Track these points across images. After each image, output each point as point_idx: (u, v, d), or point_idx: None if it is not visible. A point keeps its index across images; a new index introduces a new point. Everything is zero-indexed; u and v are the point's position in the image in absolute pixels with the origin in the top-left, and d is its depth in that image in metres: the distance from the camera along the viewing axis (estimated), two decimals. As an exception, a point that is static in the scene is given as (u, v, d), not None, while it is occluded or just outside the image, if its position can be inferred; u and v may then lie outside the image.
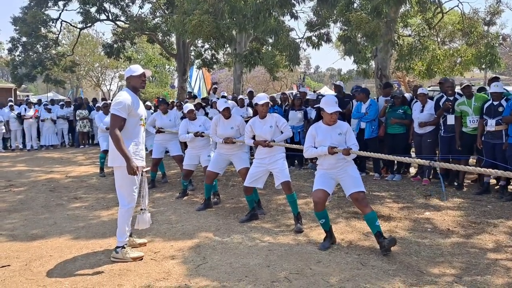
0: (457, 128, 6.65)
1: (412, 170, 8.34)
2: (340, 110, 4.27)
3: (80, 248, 4.46)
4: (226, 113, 5.70)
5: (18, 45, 19.94)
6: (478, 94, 6.75)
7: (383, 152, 5.36)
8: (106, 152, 8.46)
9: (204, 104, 11.78)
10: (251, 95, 11.34)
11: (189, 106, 6.83)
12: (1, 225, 5.37)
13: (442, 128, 6.91)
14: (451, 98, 6.85)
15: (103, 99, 15.53)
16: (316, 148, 4.21)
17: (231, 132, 5.68)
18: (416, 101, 7.44)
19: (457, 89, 7.23)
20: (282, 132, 5.19)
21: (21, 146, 14.37)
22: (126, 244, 4.14)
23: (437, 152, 7.27)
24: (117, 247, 4.12)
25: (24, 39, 19.76)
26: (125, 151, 3.92)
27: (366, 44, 10.16)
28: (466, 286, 3.37)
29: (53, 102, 16.06)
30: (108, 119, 8.18)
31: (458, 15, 12.30)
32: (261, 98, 5.11)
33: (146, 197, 4.37)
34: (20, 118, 13.89)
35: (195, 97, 14.97)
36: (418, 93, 7.40)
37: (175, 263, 4.00)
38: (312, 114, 8.72)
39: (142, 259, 4.11)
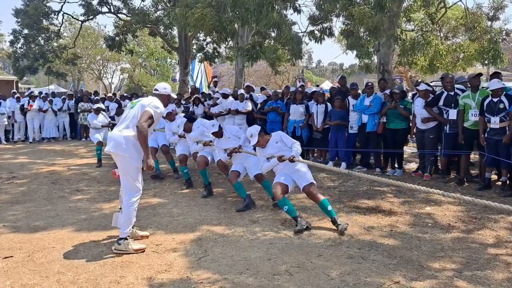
0: (460, 121, 6.63)
1: (414, 165, 8.35)
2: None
3: (82, 240, 4.49)
4: (218, 135, 6.02)
5: (20, 37, 19.93)
6: (484, 90, 6.71)
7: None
8: (101, 144, 8.98)
9: (203, 99, 11.77)
10: (248, 89, 11.32)
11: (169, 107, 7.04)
12: (3, 217, 5.39)
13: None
14: (452, 93, 6.84)
15: (102, 98, 15.50)
16: (269, 160, 5.02)
17: (230, 144, 5.90)
18: (418, 97, 7.42)
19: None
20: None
21: (23, 138, 14.40)
22: (129, 236, 4.19)
23: (439, 147, 7.26)
24: (120, 238, 4.16)
25: (26, 31, 19.75)
26: (147, 147, 4.21)
27: (368, 38, 10.12)
28: (467, 280, 3.39)
29: (54, 95, 16.05)
30: (100, 119, 9.23)
31: (462, 10, 12.24)
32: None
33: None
34: (23, 110, 13.91)
35: (197, 90, 14.96)
36: (419, 88, 7.39)
37: (177, 255, 4.02)
38: (313, 108, 8.72)
39: (144, 251, 4.15)
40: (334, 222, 4.67)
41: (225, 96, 10.62)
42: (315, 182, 4.86)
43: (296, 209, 4.79)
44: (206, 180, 6.36)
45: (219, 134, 5.97)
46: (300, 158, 4.91)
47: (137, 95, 15.93)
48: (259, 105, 9.85)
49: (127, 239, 4.15)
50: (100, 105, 10.10)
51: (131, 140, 4.17)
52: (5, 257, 4.01)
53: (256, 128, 5.16)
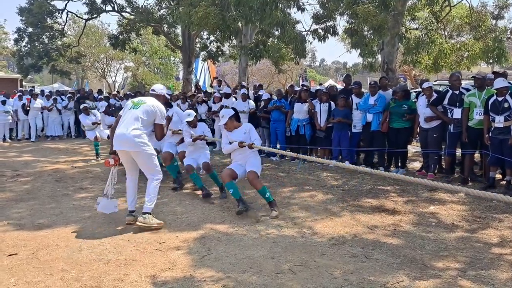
0: (465, 120, 6.60)
1: (417, 165, 8.33)
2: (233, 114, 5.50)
3: (86, 237, 4.50)
4: (192, 124, 6.35)
5: (24, 35, 20.02)
6: (490, 89, 6.67)
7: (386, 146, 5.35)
8: (97, 139, 9.71)
9: (206, 98, 11.78)
10: (254, 88, 11.33)
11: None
12: (8, 215, 5.42)
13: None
14: (457, 92, 6.81)
15: (106, 97, 15.57)
16: (231, 144, 5.38)
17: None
18: (422, 95, 7.39)
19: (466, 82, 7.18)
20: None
21: (26, 136, 14.46)
22: (152, 211, 4.77)
23: (443, 146, 7.24)
24: (145, 212, 4.72)
25: (30, 29, 19.82)
26: None
27: (372, 37, 10.10)
28: (470, 280, 3.38)
29: (59, 93, 16.11)
30: (91, 118, 9.83)
31: (466, 9, 12.21)
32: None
33: (111, 185, 5.07)
34: (24, 109, 13.95)
35: (200, 89, 14.97)
36: (423, 87, 7.36)
37: (180, 253, 4.03)
38: (316, 106, 8.70)
39: (161, 227, 4.72)
40: (270, 205, 5.25)
41: (226, 95, 10.64)
42: (258, 173, 5.35)
43: (300, 208, 4.80)
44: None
45: (192, 123, 6.28)
46: (258, 146, 5.40)
47: (141, 94, 15.95)
48: (262, 103, 9.84)
49: (150, 214, 4.74)
50: (87, 104, 10.60)
51: (142, 137, 4.74)
52: (10, 255, 4.02)
53: (229, 112, 5.53)
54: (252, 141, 5.37)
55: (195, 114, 6.47)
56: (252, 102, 10.04)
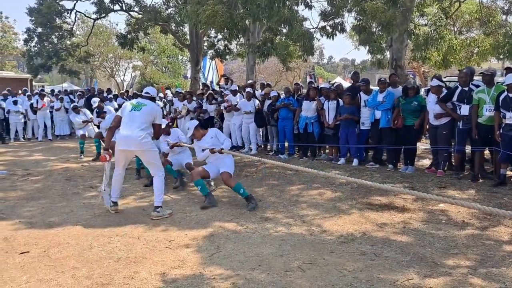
0: (474, 117, 6.54)
1: (427, 162, 8.27)
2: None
3: (97, 236, 4.54)
4: (165, 132, 6.67)
5: (34, 35, 20.18)
6: (499, 85, 6.61)
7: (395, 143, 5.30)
8: (84, 137, 10.21)
9: (216, 96, 11.80)
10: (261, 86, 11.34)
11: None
12: (19, 213, 5.48)
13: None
14: (466, 89, 6.75)
15: (115, 96, 15.71)
16: (203, 151, 5.82)
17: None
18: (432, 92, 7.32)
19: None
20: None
21: (29, 136, 14.57)
22: (162, 204, 5.26)
23: (452, 143, 7.18)
24: (157, 207, 5.19)
25: (39, 30, 19.98)
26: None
27: (381, 34, 10.03)
28: (481, 278, 3.36)
29: (66, 92, 16.22)
30: (81, 117, 10.38)
31: (476, 4, 12.08)
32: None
33: (107, 180, 5.49)
34: (32, 108, 14.07)
35: (208, 87, 14.98)
36: (431, 84, 7.29)
37: (190, 251, 4.05)
38: (324, 104, 8.68)
39: (171, 215, 5.24)
40: (246, 199, 5.54)
41: (234, 92, 10.66)
42: (231, 172, 5.75)
43: (308, 206, 4.78)
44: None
45: (165, 131, 6.63)
46: (228, 151, 5.82)
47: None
48: (269, 101, 9.84)
49: (161, 206, 5.23)
50: (76, 103, 11.47)
51: (147, 137, 5.19)
52: (22, 253, 4.07)
53: (193, 123, 6.03)
54: (222, 142, 5.82)
55: (166, 122, 6.97)
56: (256, 101, 10.05)
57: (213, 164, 5.84)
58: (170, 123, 9.27)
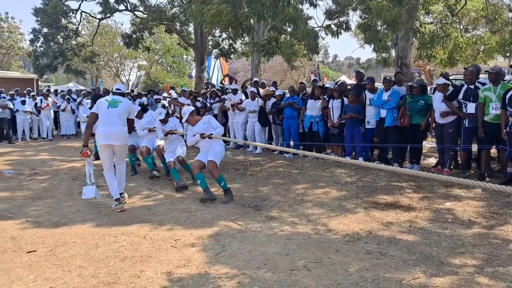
0: (480, 115, 6.50)
1: (433, 161, 8.24)
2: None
3: (103, 235, 4.56)
4: (164, 121, 7.06)
5: (40, 36, 20.31)
6: (505, 83, 6.57)
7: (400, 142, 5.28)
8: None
9: (220, 94, 11.83)
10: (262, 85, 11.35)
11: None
12: (26, 212, 5.52)
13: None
14: (472, 87, 6.71)
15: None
16: (194, 136, 6.03)
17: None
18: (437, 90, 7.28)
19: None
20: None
21: (35, 136, 14.64)
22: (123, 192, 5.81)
23: (458, 142, 7.14)
24: (121, 193, 5.72)
25: (45, 30, 20.09)
26: None
27: (386, 32, 10.00)
28: (488, 277, 3.34)
29: (70, 92, 16.29)
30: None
31: (482, 2, 11.98)
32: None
33: (92, 173, 6.15)
34: (36, 108, 14.17)
35: (213, 86, 15.01)
36: (437, 83, 7.25)
37: (195, 250, 4.05)
38: (329, 103, 8.66)
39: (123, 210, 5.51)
40: (224, 192, 5.87)
41: (234, 91, 10.72)
42: (218, 162, 5.85)
43: (314, 205, 4.77)
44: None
45: (164, 120, 6.98)
46: (218, 137, 5.99)
47: (155, 92, 16.06)
48: (274, 100, 9.84)
49: (124, 192, 5.85)
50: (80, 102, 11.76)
51: (126, 132, 5.70)
52: (29, 252, 4.10)
53: (189, 109, 6.27)
54: (214, 128, 5.99)
55: (165, 111, 7.18)
56: (260, 100, 10.09)
57: (204, 151, 6.03)
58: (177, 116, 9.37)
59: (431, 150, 9.31)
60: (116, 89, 6.12)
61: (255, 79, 12.97)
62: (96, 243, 4.30)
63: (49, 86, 27.43)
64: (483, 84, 6.79)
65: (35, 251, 4.12)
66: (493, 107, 6.35)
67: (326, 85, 9.70)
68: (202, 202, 5.75)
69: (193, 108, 6.49)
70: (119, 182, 5.72)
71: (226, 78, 16.67)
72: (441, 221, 4.76)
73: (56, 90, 16.85)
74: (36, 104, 14.22)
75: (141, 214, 5.34)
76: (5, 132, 13.89)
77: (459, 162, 7.32)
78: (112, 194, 5.61)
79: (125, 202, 5.70)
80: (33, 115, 14.16)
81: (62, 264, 3.78)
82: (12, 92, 15.05)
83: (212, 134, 5.88)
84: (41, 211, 5.58)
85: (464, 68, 7.52)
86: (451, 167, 7.21)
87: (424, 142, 8.06)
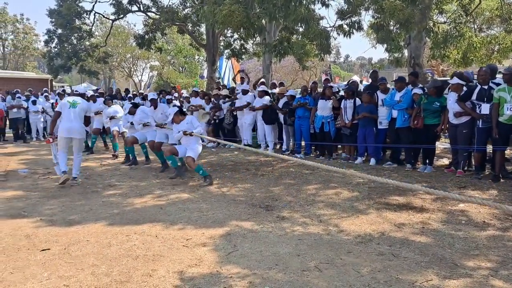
0: (495, 115, 6.41)
1: (446, 161, 8.15)
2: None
3: (115, 233, 4.60)
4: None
5: (54, 37, 20.57)
6: None
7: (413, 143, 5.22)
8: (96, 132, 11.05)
9: (231, 96, 11.86)
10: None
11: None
12: (40, 211, 5.59)
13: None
14: (485, 87, 6.62)
15: (134, 95, 15.97)
16: (178, 133, 7.09)
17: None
18: (451, 91, 7.19)
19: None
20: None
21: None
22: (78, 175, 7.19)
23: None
24: (75, 177, 7.11)
25: (59, 31, 20.34)
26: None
27: (399, 32, 9.91)
28: (503, 280, 3.29)
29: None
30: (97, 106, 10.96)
31: (497, 1, 11.82)
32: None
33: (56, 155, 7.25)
34: (53, 108, 14.34)
35: (224, 86, 15.04)
36: (451, 82, 7.17)
37: (207, 250, 4.07)
38: (342, 103, 8.61)
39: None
40: (204, 178, 6.87)
41: (244, 92, 10.75)
42: (195, 157, 7.00)
43: (325, 205, 4.74)
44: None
45: (175, 121, 7.43)
46: (197, 135, 7.03)
47: (166, 92, 16.15)
48: (284, 99, 9.84)
49: (77, 177, 7.18)
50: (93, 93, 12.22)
51: (82, 127, 7.16)
52: (43, 250, 4.15)
53: (173, 109, 7.34)
54: (195, 128, 7.06)
55: (176, 110, 7.48)
56: (267, 97, 10.15)
57: (184, 146, 7.14)
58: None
59: (445, 151, 9.21)
60: (75, 91, 7.73)
61: (262, 80, 12.97)
62: (108, 242, 4.34)
63: (63, 87, 27.80)
64: (498, 84, 6.69)
65: (49, 249, 4.17)
66: (507, 108, 6.26)
67: (329, 85, 9.65)
68: (171, 178, 7.21)
69: (177, 108, 7.41)
70: (75, 168, 7.16)
71: (238, 76, 16.68)
72: (455, 223, 4.70)
73: (64, 91, 17.04)
74: (52, 104, 14.40)
75: (153, 214, 5.37)
76: (20, 131, 14.11)
77: (473, 163, 7.23)
78: (61, 167, 6.95)
79: (76, 184, 7.04)
80: (46, 114, 14.32)
81: (75, 263, 3.82)
82: (28, 93, 15.27)
83: (193, 132, 6.94)
84: (55, 209, 5.65)
85: (479, 69, 7.42)
86: (465, 168, 7.12)
87: (437, 143, 7.97)
